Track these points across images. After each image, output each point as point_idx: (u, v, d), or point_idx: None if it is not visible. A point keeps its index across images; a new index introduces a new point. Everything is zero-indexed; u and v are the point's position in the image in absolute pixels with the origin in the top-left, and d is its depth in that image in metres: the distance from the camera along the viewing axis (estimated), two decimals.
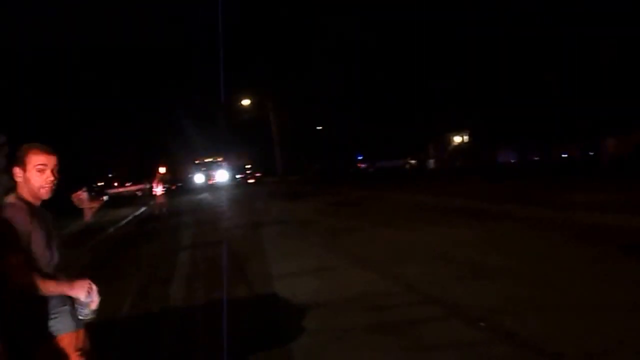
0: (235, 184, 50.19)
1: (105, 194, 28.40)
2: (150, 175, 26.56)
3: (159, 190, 23.97)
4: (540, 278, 5.79)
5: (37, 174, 2.32)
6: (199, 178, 56.20)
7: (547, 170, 25.77)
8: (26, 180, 2.33)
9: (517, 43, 32.75)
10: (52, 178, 2.34)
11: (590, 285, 5.37)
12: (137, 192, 43.86)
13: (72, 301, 2.33)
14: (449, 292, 5.50)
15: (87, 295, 2.28)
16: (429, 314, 4.91)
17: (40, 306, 2.20)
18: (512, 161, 40.32)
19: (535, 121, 34.44)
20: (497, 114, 38.54)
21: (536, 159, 38.38)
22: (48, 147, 2.40)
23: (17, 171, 2.32)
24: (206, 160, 56.51)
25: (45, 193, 2.36)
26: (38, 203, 2.38)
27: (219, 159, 55.77)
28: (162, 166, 56.56)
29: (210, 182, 54.28)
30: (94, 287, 2.36)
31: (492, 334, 4.25)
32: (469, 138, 49.24)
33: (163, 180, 21.40)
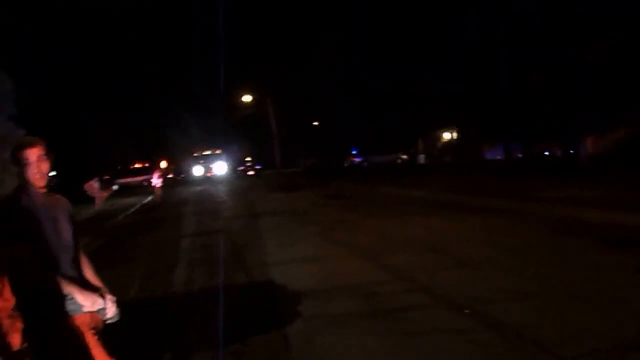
0: (235, 177, 49.96)
1: (115, 184, 28.41)
2: (153, 167, 26.59)
3: (157, 182, 24.01)
4: (523, 269, 5.82)
5: (24, 169, 2.34)
6: (197, 170, 54.81)
7: (530, 167, 25.89)
8: (21, 174, 2.36)
9: (503, 42, 32.73)
10: (36, 169, 2.33)
11: (570, 275, 5.41)
12: (143, 182, 43.83)
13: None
14: (436, 281, 5.53)
15: (92, 306, 2.29)
16: (417, 302, 4.94)
17: (57, 288, 2.22)
18: (498, 158, 40.39)
19: (520, 119, 34.51)
20: (483, 112, 38.63)
21: (520, 156, 38.46)
22: (31, 139, 2.39)
23: (18, 161, 2.35)
24: (204, 153, 55.28)
25: (38, 181, 2.36)
26: (42, 190, 2.38)
27: (217, 152, 54.64)
28: (163, 160, 56.37)
29: (209, 174, 52.90)
30: (106, 300, 2.37)
31: (476, 321, 4.29)
32: (458, 135, 49.29)
33: (165, 172, 21.39)
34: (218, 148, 53.87)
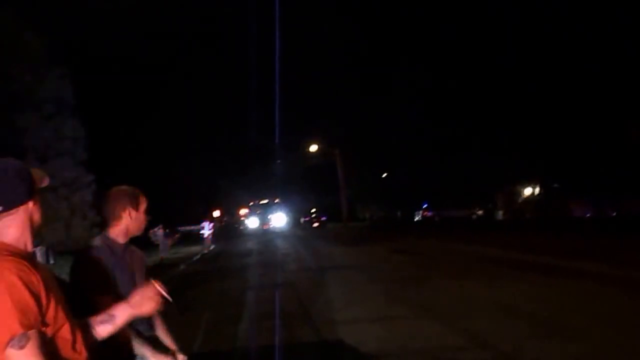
0: (299, 228, 49.56)
1: (178, 232, 29.46)
2: (205, 216, 27.33)
3: (207, 232, 24.63)
4: (621, 341, 5.45)
5: (143, 216, 2.50)
6: (252, 222, 51.38)
7: (626, 226, 24.41)
8: (136, 220, 2.46)
9: (593, 91, 31.78)
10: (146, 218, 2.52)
11: None
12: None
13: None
14: (522, 351, 5.28)
15: None
16: None
17: (130, 343, 2.27)
18: (587, 215, 38.46)
19: (613, 173, 32.97)
20: (570, 165, 37.30)
21: (614, 214, 36.44)
22: (138, 191, 2.56)
23: (130, 211, 2.45)
24: (262, 202, 52.67)
25: (141, 230, 2.52)
26: (127, 240, 2.47)
27: (276, 201, 52.31)
28: (217, 210, 56.22)
29: (266, 226, 50.12)
30: None
31: None
32: (540, 189, 47.60)
33: (217, 221, 21.85)
34: (277, 197, 51.68)
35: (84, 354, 1.57)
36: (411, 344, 5.81)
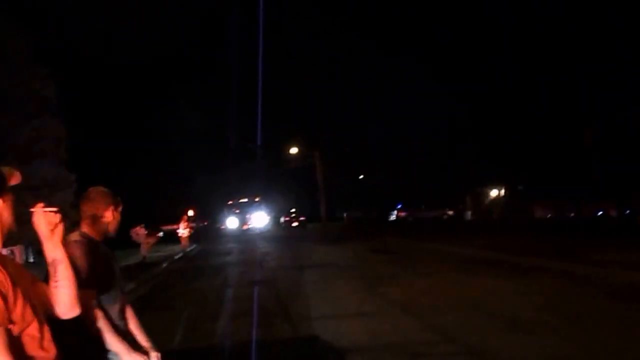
0: (278, 228, 48.96)
1: (160, 231, 29.01)
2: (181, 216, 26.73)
3: (183, 232, 24.27)
4: (579, 335, 5.53)
5: (119, 217, 2.47)
6: (231, 222, 49.05)
7: (583, 226, 24.92)
8: (115, 219, 2.45)
9: (554, 101, 32.41)
10: (117, 224, 2.49)
11: (629, 344, 5.10)
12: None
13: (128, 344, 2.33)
14: (488, 344, 5.31)
15: None
16: None
17: (102, 339, 2.19)
18: (548, 216, 39.19)
19: (572, 178, 33.69)
20: (533, 169, 37.99)
21: (572, 215, 37.22)
22: (117, 196, 2.54)
23: (112, 210, 2.43)
24: (241, 201, 50.17)
25: (116, 230, 2.48)
26: (102, 239, 2.41)
27: (256, 199, 49.84)
28: (191, 209, 54.35)
29: (245, 227, 46.67)
30: (152, 357, 2.38)
31: None
32: (505, 191, 48.31)
33: (192, 221, 21.38)
34: (257, 195, 49.40)
35: (53, 351, 1.49)
36: (385, 338, 5.80)
